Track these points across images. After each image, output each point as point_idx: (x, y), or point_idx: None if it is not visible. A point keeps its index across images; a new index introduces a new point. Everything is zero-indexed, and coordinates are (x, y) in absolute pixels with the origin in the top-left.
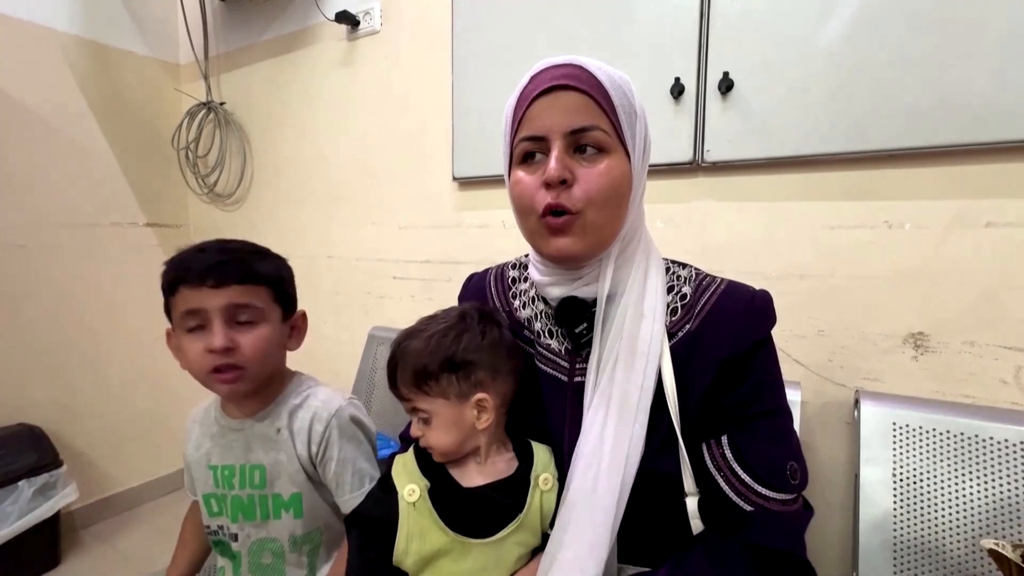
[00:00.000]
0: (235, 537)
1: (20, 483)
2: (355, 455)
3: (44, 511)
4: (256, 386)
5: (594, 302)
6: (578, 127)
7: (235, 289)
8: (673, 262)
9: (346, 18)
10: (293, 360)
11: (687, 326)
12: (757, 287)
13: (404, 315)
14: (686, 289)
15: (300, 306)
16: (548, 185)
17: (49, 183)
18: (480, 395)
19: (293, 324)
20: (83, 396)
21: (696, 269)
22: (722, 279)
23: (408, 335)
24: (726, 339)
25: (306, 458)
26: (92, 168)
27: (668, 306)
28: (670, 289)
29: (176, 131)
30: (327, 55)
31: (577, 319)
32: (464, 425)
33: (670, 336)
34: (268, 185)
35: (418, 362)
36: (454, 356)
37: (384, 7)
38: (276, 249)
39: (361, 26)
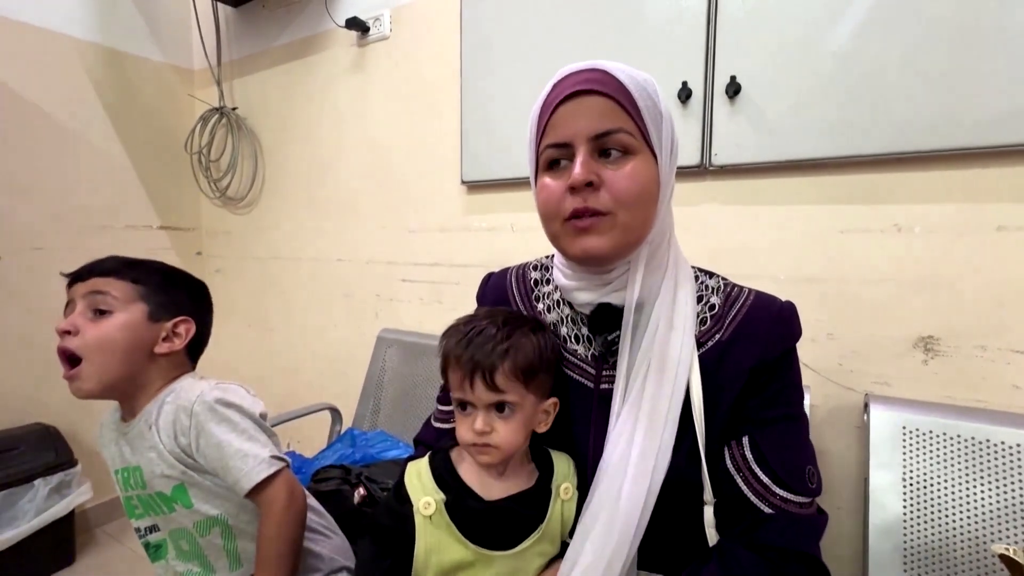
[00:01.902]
0: (156, 528)
1: (36, 482)
2: (229, 437)
3: (59, 509)
4: (108, 384)
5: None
6: (602, 131)
7: (96, 280)
8: (700, 271)
9: (356, 24)
10: (304, 362)
11: (717, 336)
12: (766, 291)
13: (413, 318)
14: (715, 300)
15: (297, 309)
16: (573, 189)
17: (65, 186)
18: (554, 399)
19: (173, 330)
20: None
21: (723, 279)
22: (749, 290)
23: (508, 321)
24: (756, 349)
25: (177, 451)
26: (107, 172)
27: (697, 316)
28: (699, 299)
29: (189, 136)
30: (337, 61)
31: (611, 326)
32: (531, 426)
33: (699, 346)
34: (279, 189)
35: (530, 354)
36: (551, 356)
37: (394, 13)
38: (286, 251)
39: (371, 32)
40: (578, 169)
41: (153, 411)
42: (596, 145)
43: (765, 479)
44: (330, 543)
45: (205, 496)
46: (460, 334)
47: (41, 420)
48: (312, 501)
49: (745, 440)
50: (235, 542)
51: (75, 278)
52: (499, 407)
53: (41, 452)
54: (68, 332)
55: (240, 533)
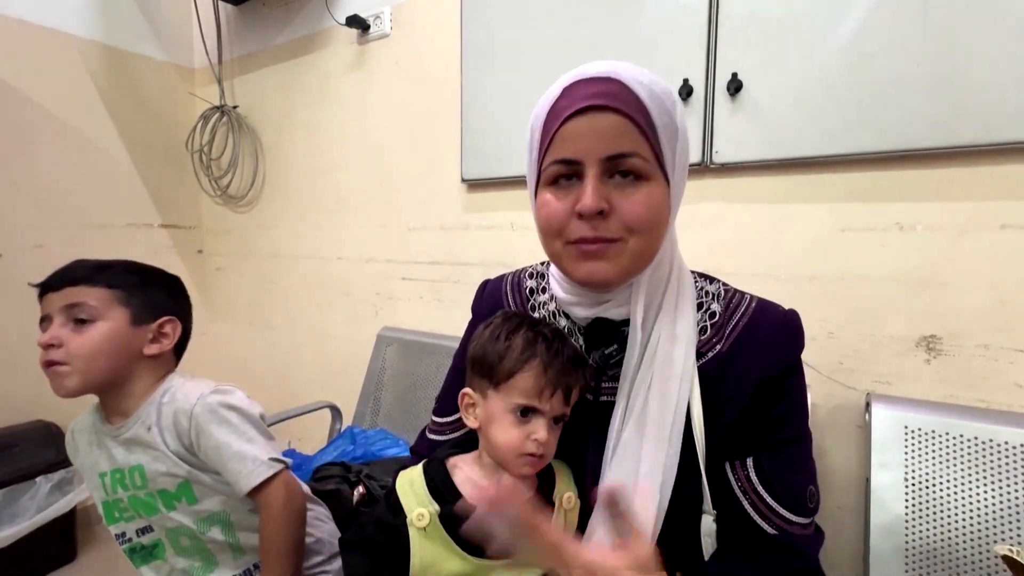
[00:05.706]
0: (149, 528)
1: (38, 479)
2: (229, 439)
3: (61, 506)
4: (93, 385)
5: (623, 322)
6: (615, 153)
7: (70, 290)
8: (699, 275)
9: (356, 22)
10: (304, 360)
11: (717, 347)
12: (767, 290)
13: (413, 316)
14: (715, 307)
15: (298, 307)
16: (581, 216)
17: (67, 184)
18: None
19: (159, 331)
20: None
21: (724, 285)
22: (751, 296)
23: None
24: (760, 361)
25: (181, 451)
26: (109, 170)
27: (696, 325)
28: (698, 306)
29: (190, 134)
30: (338, 59)
31: (607, 340)
32: None
33: (698, 356)
34: (279, 187)
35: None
36: None
37: (394, 11)
38: (286, 250)
39: (371, 30)
40: (589, 196)
41: (152, 413)
42: (607, 167)
43: (770, 501)
44: (327, 527)
45: (209, 492)
46: (546, 341)
47: (43, 417)
48: (306, 489)
49: (750, 462)
50: (236, 535)
51: (45, 289)
52: (557, 419)
53: (43, 449)
54: (52, 345)
55: (240, 526)
